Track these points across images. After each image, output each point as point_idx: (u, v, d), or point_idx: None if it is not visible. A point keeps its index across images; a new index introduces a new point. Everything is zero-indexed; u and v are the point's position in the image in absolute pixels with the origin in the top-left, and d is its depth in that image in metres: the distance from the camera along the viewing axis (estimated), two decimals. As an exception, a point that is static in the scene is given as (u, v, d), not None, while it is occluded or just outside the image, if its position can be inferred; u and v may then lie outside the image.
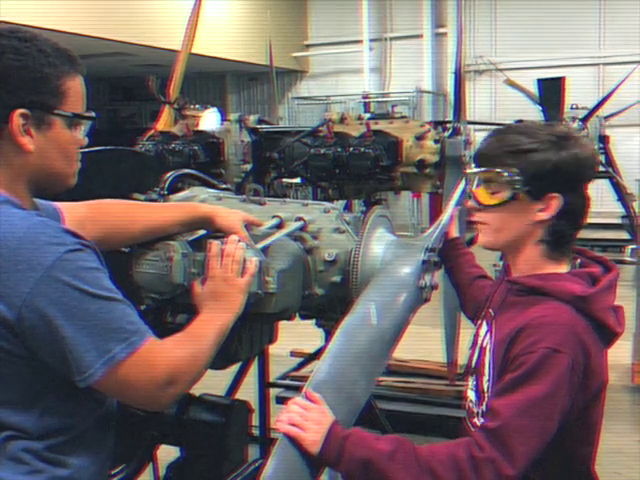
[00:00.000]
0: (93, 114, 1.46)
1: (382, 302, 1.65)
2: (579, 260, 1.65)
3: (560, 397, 1.43)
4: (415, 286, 1.73)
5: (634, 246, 6.17)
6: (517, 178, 1.52)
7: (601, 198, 10.46)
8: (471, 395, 1.65)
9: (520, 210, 1.56)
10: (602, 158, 8.18)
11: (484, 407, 1.57)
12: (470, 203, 1.63)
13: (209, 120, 4.46)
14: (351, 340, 1.57)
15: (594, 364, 1.49)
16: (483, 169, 1.59)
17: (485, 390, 1.57)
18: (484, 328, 1.66)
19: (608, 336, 1.55)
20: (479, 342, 1.66)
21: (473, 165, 1.63)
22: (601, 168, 8.13)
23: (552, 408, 1.42)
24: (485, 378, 1.57)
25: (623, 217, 8.63)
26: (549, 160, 1.52)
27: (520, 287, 1.59)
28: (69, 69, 1.40)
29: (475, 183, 1.61)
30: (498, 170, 1.55)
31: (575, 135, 1.59)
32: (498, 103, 12.65)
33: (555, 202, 1.54)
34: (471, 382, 1.67)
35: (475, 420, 1.62)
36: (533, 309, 1.52)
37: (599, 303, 1.52)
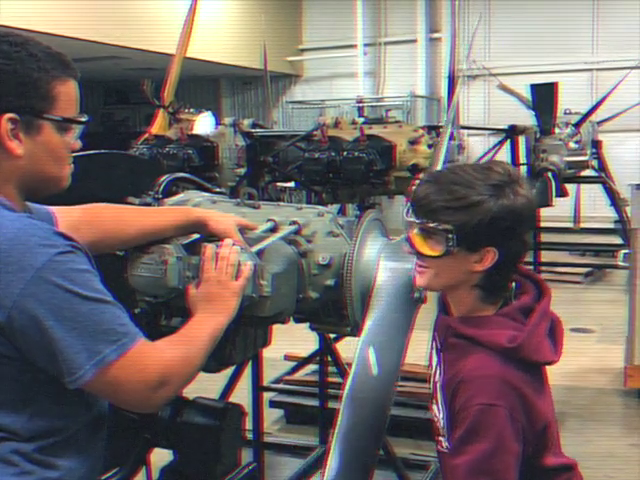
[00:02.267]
0: (85, 118, 1.45)
1: (381, 343, 1.68)
2: (514, 283, 1.62)
3: (508, 447, 1.46)
4: (410, 302, 1.73)
5: (627, 251, 6.19)
6: (451, 236, 1.48)
7: (594, 203, 10.49)
8: (435, 410, 1.65)
9: (456, 261, 1.52)
10: (595, 163, 8.22)
11: (442, 436, 1.60)
12: (407, 248, 1.59)
13: (203, 124, 4.47)
14: (357, 410, 1.62)
15: (534, 405, 1.51)
16: (419, 221, 1.53)
17: (442, 426, 1.60)
18: (435, 358, 1.67)
19: (544, 366, 1.57)
20: (433, 370, 1.67)
21: (412, 211, 1.56)
22: (594, 173, 8.18)
23: (504, 460, 1.46)
24: (441, 415, 1.59)
25: (616, 222, 8.66)
26: (485, 216, 1.46)
27: (455, 332, 1.59)
28: (60, 73, 1.39)
29: (413, 230, 1.56)
30: (432, 225, 1.50)
31: (512, 179, 1.51)
32: (491, 108, 12.69)
33: (491, 255, 1.50)
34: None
35: (440, 439, 1.63)
36: (468, 359, 1.53)
37: (530, 345, 1.51)
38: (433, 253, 1.52)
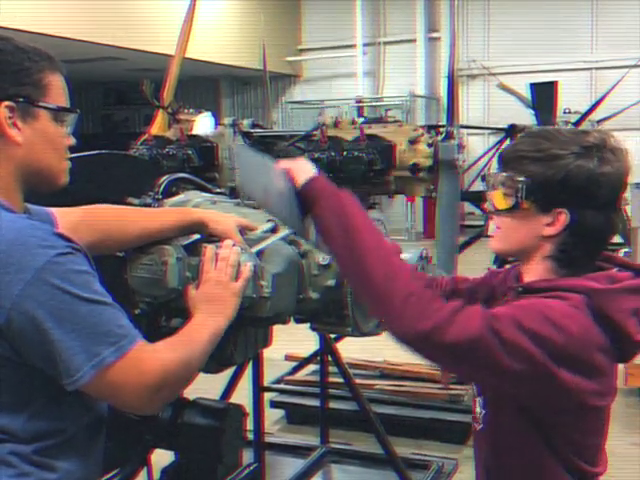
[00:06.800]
0: (77, 110, 1.47)
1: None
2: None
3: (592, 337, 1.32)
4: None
5: (626, 249, 6.19)
6: (520, 186, 1.40)
7: (594, 202, 10.50)
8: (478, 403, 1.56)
9: (527, 220, 1.42)
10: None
11: (479, 413, 1.52)
12: (486, 205, 1.51)
13: (203, 124, 4.48)
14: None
15: (606, 364, 1.37)
16: (496, 171, 1.47)
17: (479, 412, 1.52)
18: None
19: (625, 344, 1.38)
20: None
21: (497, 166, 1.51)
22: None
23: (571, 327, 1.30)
24: (477, 403, 1.52)
25: (615, 220, 8.66)
26: (559, 171, 1.37)
27: (522, 289, 1.46)
28: (49, 65, 1.42)
29: (493, 185, 1.48)
30: (505, 175, 1.43)
31: (606, 146, 1.41)
32: (491, 107, 12.70)
33: (562, 218, 1.39)
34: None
35: (477, 411, 1.53)
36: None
37: (617, 302, 1.36)
38: (503, 206, 1.44)
